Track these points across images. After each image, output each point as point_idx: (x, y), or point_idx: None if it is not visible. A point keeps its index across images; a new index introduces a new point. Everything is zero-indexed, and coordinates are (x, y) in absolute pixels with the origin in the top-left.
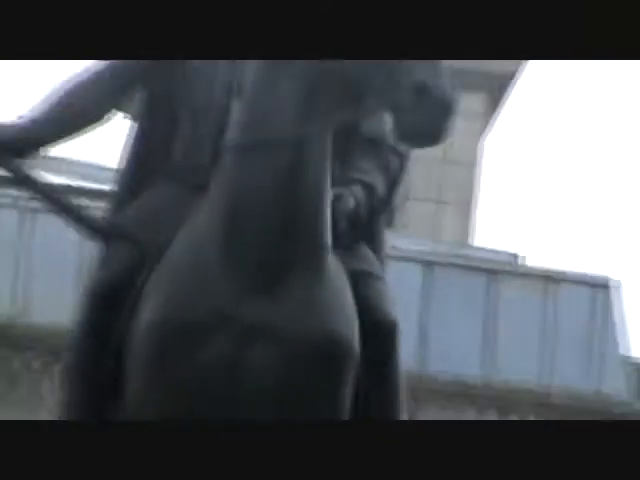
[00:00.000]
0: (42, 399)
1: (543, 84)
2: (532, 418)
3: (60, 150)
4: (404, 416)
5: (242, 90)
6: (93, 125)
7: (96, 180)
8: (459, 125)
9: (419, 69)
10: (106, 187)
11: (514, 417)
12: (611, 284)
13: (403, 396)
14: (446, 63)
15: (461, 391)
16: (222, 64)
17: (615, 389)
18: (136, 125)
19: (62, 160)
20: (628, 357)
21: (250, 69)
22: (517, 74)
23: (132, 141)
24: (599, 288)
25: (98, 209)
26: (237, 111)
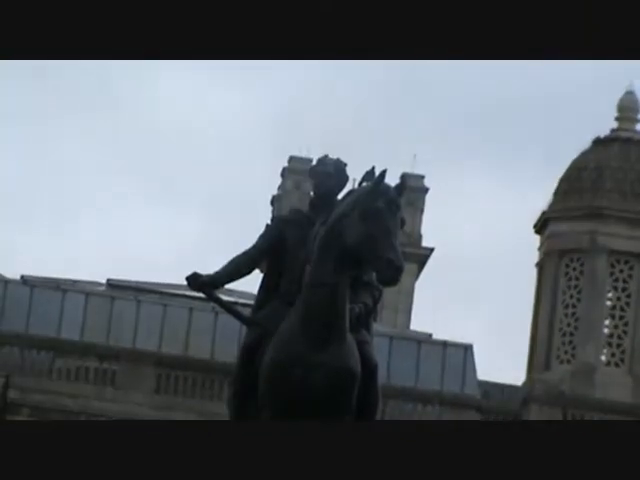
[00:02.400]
0: None
1: None
2: None
3: (231, 285)
4: (378, 410)
5: (309, 257)
6: (244, 276)
7: (247, 299)
8: None
9: (387, 248)
10: (249, 302)
11: None
12: None
13: (378, 400)
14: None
15: None
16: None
17: None
18: (264, 274)
19: (232, 290)
20: None
21: (315, 244)
22: None
23: (262, 280)
24: None
25: (246, 311)
26: (309, 268)
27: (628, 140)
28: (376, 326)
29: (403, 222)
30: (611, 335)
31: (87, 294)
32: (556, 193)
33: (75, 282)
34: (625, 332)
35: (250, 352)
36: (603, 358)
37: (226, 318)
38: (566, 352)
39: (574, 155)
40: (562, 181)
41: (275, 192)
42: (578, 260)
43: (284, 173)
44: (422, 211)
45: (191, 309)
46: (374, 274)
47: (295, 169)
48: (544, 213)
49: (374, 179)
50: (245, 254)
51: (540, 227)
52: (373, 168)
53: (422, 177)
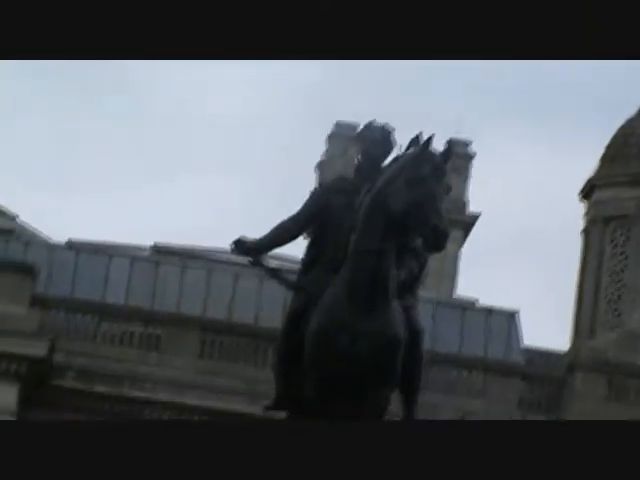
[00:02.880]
0: None
1: None
2: None
3: (276, 251)
4: (422, 376)
5: (355, 224)
6: (289, 242)
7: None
8: None
9: (433, 215)
10: (295, 267)
11: None
12: None
13: (422, 366)
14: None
15: None
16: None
17: None
18: (310, 240)
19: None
20: None
21: (360, 211)
22: None
23: (307, 246)
24: None
25: (291, 277)
26: (354, 236)
27: None
28: (421, 292)
29: (449, 188)
30: None
31: (132, 258)
32: (602, 160)
33: (120, 246)
34: None
35: (295, 318)
36: None
37: (271, 284)
38: (611, 319)
39: (620, 122)
40: (608, 148)
41: (320, 158)
42: (624, 227)
43: (329, 139)
44: (468, 177)
45: (236, 274)
46: (420, 241)
47: (341, 135)
48: (590, 180)
49: (420, 145)
50: (290, 220)
51: (586, 194)
52: (419, 134)
53: (468, 143)
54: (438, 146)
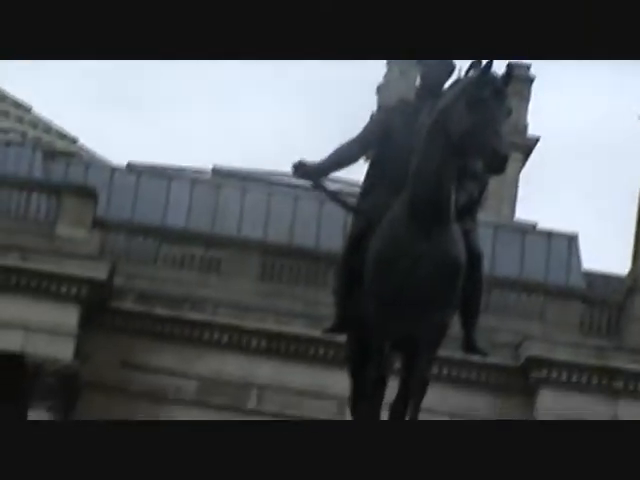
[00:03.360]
0: None
1: None
2: None
3: (336, 173)
4: (481, 298)
5: (415, 147)
6: (350, 165)
7: (353, 186)
8: None
9: (492, 137)
10: (355, 190)
11: None
12: None
13: (482, 289)
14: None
15: None
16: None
17: None
18: (370, 163)
19: (337, 178)
20: None
21: (421, 134)
22: None
23: (367, 169)
24: None
25: (352, 200)
26: (414, 159)
27: None
28: (481, 216)
29: (509, 111)
30: None
31: (193, 181)
32: None
33: (181, 169)
34: None
35: (356, 241)
36: None
37: (332, 207)
38: None
39: None
40: None
41: (381, 81)
42: None
43: (389, 62)
44: (528, 100)
45: (296, 197)
46: (480, 163)
47: None
48: None
49: (480, 69)
50: (351, 143)
51: None
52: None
53: (529, 66)
54: (498, 69)
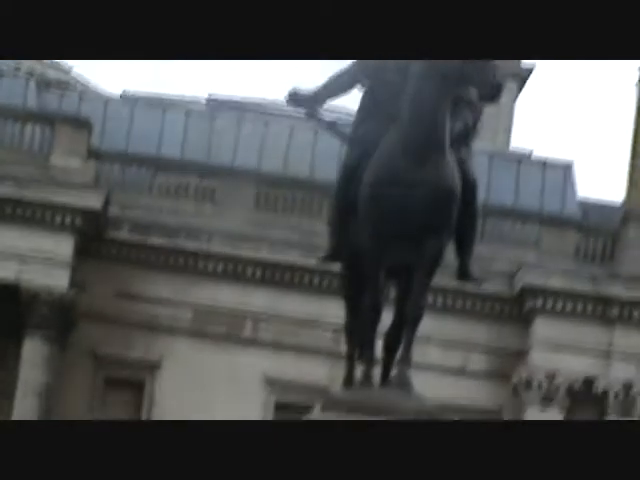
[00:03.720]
0: None
1: None
2: None
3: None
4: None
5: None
6: (345, 94)
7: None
8: None
9: (487, 67)
10: (350, 120)
11: None
12: None
13: (478, 217)
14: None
15: None
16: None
17: None
18: (364, 92)
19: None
20: None
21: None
22: None
23: (362, 97)
24: None
25: (347, 129)
26: (409, 87)
27: None
28: (476, 144)
29: None
30: None
31: (188, 111)
32: None
33: (175, 99)
34: None
35: (351, 170)
36: None
37: (326, 136)
38: None
39: None
40: None
41: None
42: None
43: None
44: None
45: (291, 127)
46: (474, 92)
47: None
48: None
49: None
50: (345, 72)
51: None
52: None
53: None
54: None
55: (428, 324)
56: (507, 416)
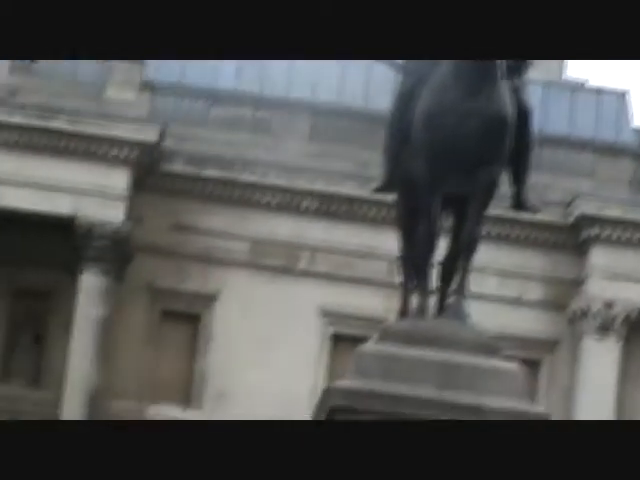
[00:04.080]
0: None
1: None
2: None
3: None
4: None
5: None
6: None
7: None
8: None
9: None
10: None
11: None
12: None
13: (532, 146)
14: None
15: None
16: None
17: None
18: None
19: None
20: None
21: None
22: None
23: None
24: None
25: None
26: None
27: None
28: (530, 74)
29: None
30: None
31: None
32: None
33: None
34: None
35: (405, 100)
36: None
37: (380, 66)
38: None
39: None
40: None
41: None
42: None
43: None
44: None
45: None
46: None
47: None
48: None
49: None
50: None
51: None
52: None
53: None
54: None
55: (484, 254)
56: (564, 346)
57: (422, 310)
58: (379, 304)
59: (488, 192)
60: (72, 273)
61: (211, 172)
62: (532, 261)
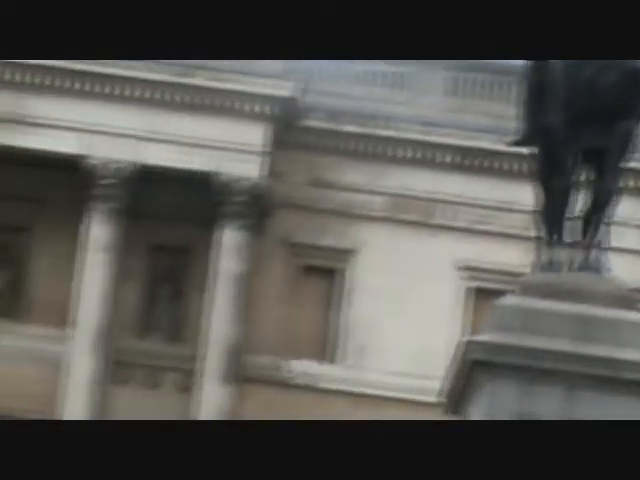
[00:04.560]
0: None
1: None
2: None
3: None
4: None
5: None
6: None
7: None
8: None
9: None
10: None
11: None
12: None
13: None
14: None
15: None
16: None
17: None
18: None
19: None
20: None
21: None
22: None
23: None
24: None
25: None
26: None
27: None
28: None
29: None
30: None
31: None
32: None
33: None
34: None
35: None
36: None
37: None
38: None
39: None
40: None
41: None
42: None
43: None
44: None
45: None
46: None
47: None
48: None
49: None
50: None
51: None
52: None
53: None
54: None
55: (624, 207)
56: None
57: (558, 263)
58: (516, 258)
59: (625, 146)
60: (210, 229)
61: (349, 127)
62: None
